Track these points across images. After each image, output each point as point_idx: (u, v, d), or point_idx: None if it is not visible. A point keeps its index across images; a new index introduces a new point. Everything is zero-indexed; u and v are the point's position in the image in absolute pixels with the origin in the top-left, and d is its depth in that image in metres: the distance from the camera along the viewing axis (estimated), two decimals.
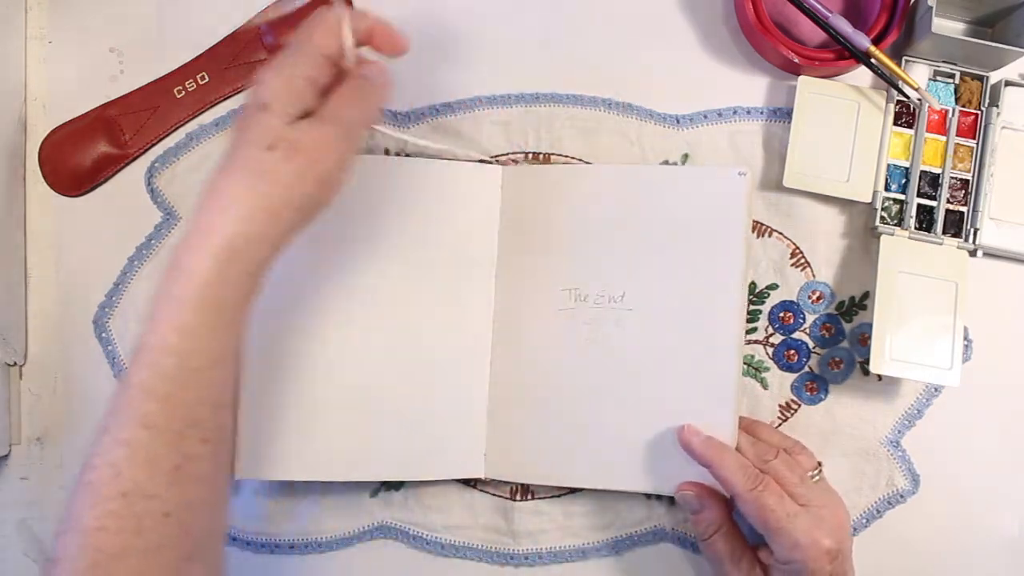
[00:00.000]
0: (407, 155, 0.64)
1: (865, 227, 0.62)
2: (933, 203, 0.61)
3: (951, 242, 0.60)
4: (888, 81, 0.61)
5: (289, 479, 0.61)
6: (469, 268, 0.62)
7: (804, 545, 0.52)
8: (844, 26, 0.59)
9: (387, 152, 0.64)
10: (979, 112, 0.61)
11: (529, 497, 0.63)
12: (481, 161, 0.63)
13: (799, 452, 0.58)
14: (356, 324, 0.61)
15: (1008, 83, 0.60)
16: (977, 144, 0.61)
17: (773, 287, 0.63)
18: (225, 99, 0.65)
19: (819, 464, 0.57)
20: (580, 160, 0.64)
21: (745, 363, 0.62)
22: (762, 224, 0.63)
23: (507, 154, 0.64)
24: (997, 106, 0.60)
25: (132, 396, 0.45)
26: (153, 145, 0.65)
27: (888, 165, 0.61)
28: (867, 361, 0.59)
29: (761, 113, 0.63)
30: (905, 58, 0.61)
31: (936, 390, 0.62)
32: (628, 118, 0.64)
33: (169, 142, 0.65)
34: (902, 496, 0.62)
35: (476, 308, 0.62)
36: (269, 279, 0.52)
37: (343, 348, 0.60)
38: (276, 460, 0.60)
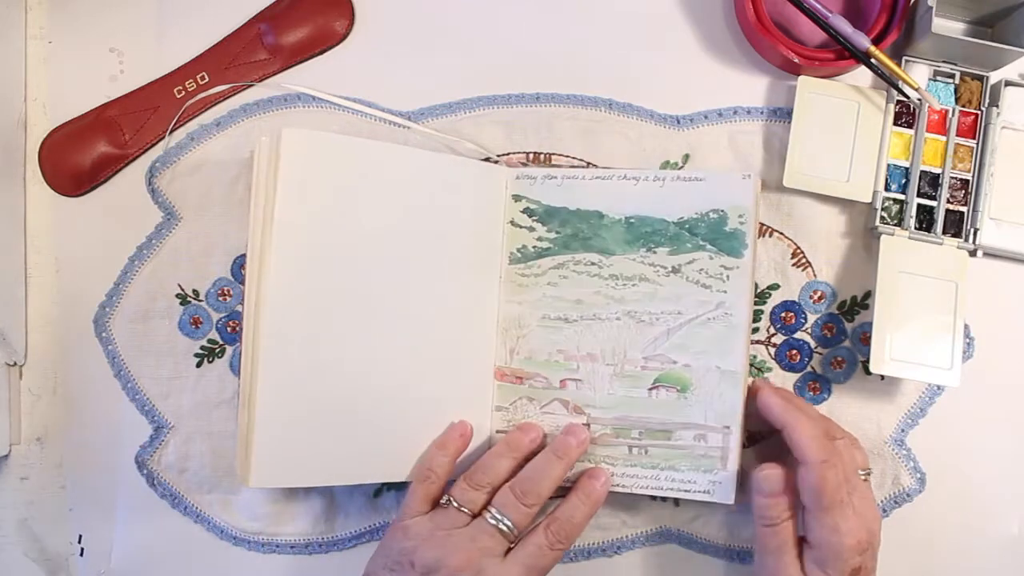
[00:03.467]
0: None
1: (866, 227, 0.62)
2: (933, 203, 0.61)
3: (951, 242, 0.60)
4: (888, 81, 0.61)
5: (306, 485, 0.61)
6: (473, 266, 0.62)
7: (843, 531, 0.52)
8: (844, 26, 0.59)
9: None
10: (979, 112, 0.61)
11: None
12: (486, 159, 0.64)
13: (856, 447, 0.57)
14: (379, 320, 0.59)
15: (1008, 83, 0.60)
16: (977, 144, 0.61)
17: (774, 287, 0.63)
18: (225, 99, 0.65)
19: (870, 470, 0.57)
20: (581, 160, 0.64)
21: (749, 364, 0.62)
22: (763, 224, 0.63)
23: (508, 154, 0.64)
24: (997, 106, 0.60)
25: None
26: (153, 145, 0.65)
27: (888, 165, 0.61)
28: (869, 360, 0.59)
29: (761, 113, 0.64)
30: (905, 58, 0.61)
31: (939, 389, 0.62)
32: (628, 118, 0.64)
33: (169, 142, 0.65)
34: (908, 495, 0.62)
35: (481, 306, 0.62)
36: (293, 276, 0.54)
37: (366, 345, 0.58)
38: (294, 467, 0.57)
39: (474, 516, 0.56)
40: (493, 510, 0.56)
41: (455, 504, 0.56)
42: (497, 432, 0.62)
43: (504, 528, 0.55)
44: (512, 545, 0.56)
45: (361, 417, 0.58)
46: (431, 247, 0.60)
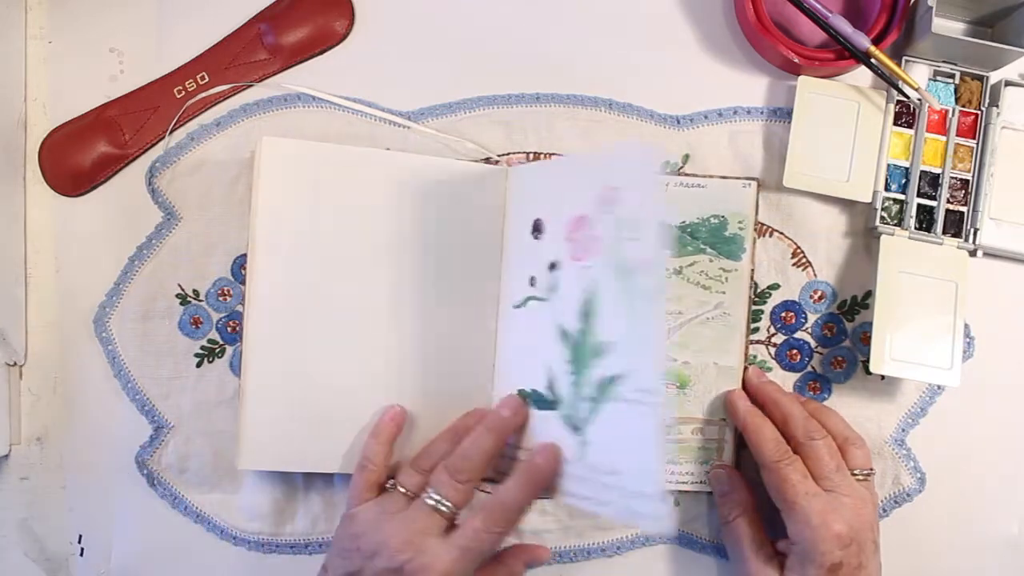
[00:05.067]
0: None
1: (866, 227, 0.62)
2: (933, 203, 0.61)
3: (951, 242, 0.60)
4: (888, 81, 0.61)
5: (291, 470, 0.62)
6: (469, 266, 0.62)
7: (815, 525, 0.53)
8: (844, 26, 0.59)
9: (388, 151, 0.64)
10: (979, 112, 0.61)
11: None
12: (486, 160, 0.64)
13: (857, 446, 0.58)
14: (363, 318, 0.61)
15: (1008, 83, 0.61)
16: (977, 144, 0.61)
17: (775, 287, 0.63)
18: (225, 99, 0.65)
19: (871, 470, 0.58)
20: None
21: (748, 363, 0.62)
22: (763, 224, 0.63)
23: (508, 154, 0.64)
24: (997, 106, 0.61)
25: None
26: (153, 145, 0.65)
27: (888, 165, 0.61)
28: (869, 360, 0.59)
29: (761, 113, 0.64)
30: (905, 58, 0.61)
31: (939, 388, 0.62)
32: (628, 118, 0.64)
33: (169, 142, 0.65)
34: (908, 495, 0.62)
35: (477, 307, 0.62)
36: (278, 276, 0.56)
37: (350, 342, 0.61)
38: (278, 452, 0.60)
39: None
40: (430, 490, 0.55)
41: (400, 488, 0.56)
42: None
43: (442, 508, 0.54)
44: (454, 523, 0.55)
45: (356, 412, 0.60)
46: (427, 247, 0.61)
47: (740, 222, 0.61)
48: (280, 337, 0.60)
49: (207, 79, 0.65)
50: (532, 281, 0.59)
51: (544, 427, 0.57)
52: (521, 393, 0.59)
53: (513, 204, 0.62)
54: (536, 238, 0.59)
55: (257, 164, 0.60)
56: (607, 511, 0.53)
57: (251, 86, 0.65)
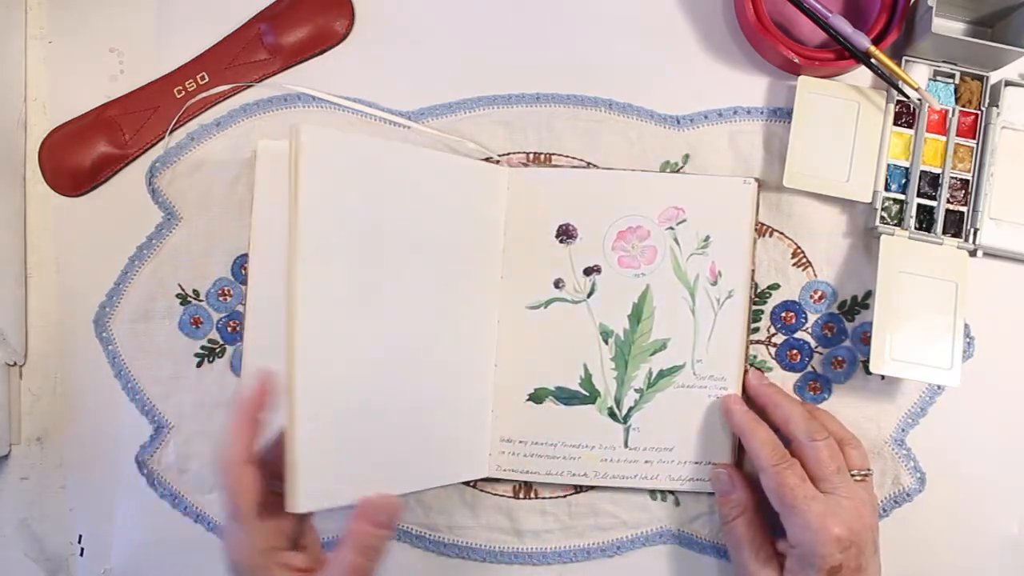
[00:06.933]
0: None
1: (866, 227, 0.62)
2: (933, 203, 0.61)
3: (951, 242, 0.60)
4: (888, 81, 0.61)
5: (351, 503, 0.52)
6: (474, 266, 0.62)
7: (814, 528, 0.53)
8: (844, 26, 0.59)
9: None
10: (979, 112, 0.61)
11: (532, 496, 0.63)
12: (487, 160, 0.64)
13: (853, 447, 0.58)
14: (399, 319, 0.57)
15: (1008, 83, 0.60)
16: (977, 144, 0.61)
17: (775, 287, 0.63)
18: (225, 99, 0.65)
19: (869, 470, 0.58)
20: (581, 160, 0.64)
21: (748, 364, 0.62)
22: (763, 224, 0.63)
23: (508, 154, 0.64)
24: (997, 106, 0.60)
25: None
26: (153, 145, 0.65)
27: (888, 165, 0.61)
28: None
29: (761, 113, 0.64)
30: (905, 58, 0.61)
31: (939, 388, 0.62)
32: (628, 118, 0.64)
33: (169, 142, 0.65)
34: (908, 495, 0.62)
35: (481, 307, 0.62)
36: (328, 275, 0.53)
37: (345, 355, 0.55)
38: (336, 485, 0.53)
39: None
40: None
41: None
42: None
43: None
44: None
45: (384, 424, 0.56)
46: (434, 246, 0.60)
47: (740, 219, 0.61)
48: (330, 359, 0.53)
49: (207, 79, 0.65)
50: (558, 284, 0.62)
51: (576, 421, 0.61)
52: (538, 393, 0.62)
53: (526, 208, 0.62)
54: (563, 242, 0.62)
55: (295, 156, 0.51)
56: (655, 483, 0.62)
57: (251, 86, 0.65)
